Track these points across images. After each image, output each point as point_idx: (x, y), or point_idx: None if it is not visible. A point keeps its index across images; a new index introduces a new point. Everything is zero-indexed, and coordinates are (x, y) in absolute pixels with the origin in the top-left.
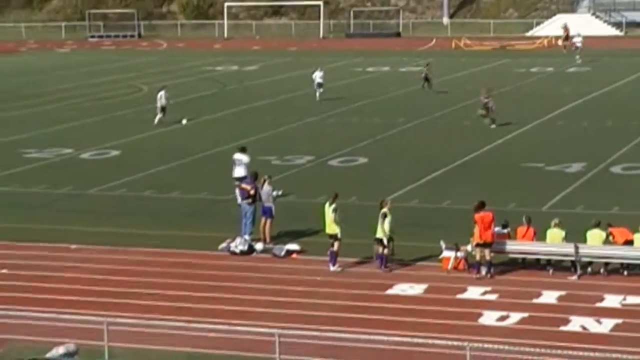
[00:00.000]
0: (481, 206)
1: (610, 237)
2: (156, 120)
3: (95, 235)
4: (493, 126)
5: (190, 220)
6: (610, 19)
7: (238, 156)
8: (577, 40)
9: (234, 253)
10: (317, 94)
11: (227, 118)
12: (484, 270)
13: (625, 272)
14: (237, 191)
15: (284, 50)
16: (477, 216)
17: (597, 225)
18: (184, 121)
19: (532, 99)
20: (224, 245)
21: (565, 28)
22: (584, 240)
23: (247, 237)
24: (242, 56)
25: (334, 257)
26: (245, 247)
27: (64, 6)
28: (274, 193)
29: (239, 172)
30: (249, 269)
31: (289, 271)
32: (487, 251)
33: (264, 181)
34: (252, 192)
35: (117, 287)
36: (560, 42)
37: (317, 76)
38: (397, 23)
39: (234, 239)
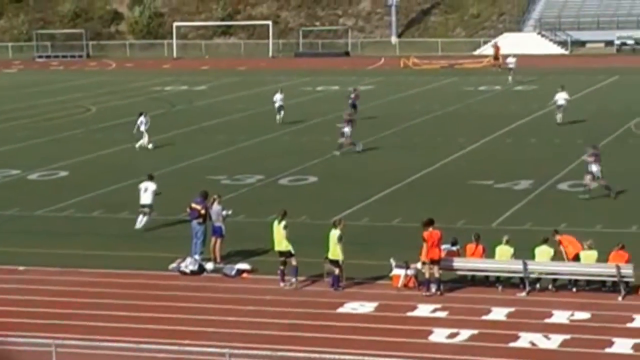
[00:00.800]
0: (429, 224)
1: (560, 247)
2: (143, 144)
3: (44, 256)
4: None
5: (140, 241)
6: (555, 38)
7: (145, 184)
8: (511, 62)
9: (184, 273)
10: (278, 117)
11: (176, 138)
12: (433, 288)
13: (574, 289)
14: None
15: (234, 69)
16: (425, 234)
17: (545, 241)
18: (150, 145)
19: (480, 117)
20: (174, 265)
21: (495, 46)
22: (533, 257)
23: (197, 256)
24: (192, 76)
25: (294, 272)
26: (196, 267)
27: (10, 27)
28: (224, 212)
29: (146, 199)
30: (199, 289)
31: (239, 290)
32: (436, 268)
33: (214, 200)
34: (202, 211)
35: (65, 309)
36: (491, 61)
37: (278, 99)
38: (346, 42)
39: (184, 259)
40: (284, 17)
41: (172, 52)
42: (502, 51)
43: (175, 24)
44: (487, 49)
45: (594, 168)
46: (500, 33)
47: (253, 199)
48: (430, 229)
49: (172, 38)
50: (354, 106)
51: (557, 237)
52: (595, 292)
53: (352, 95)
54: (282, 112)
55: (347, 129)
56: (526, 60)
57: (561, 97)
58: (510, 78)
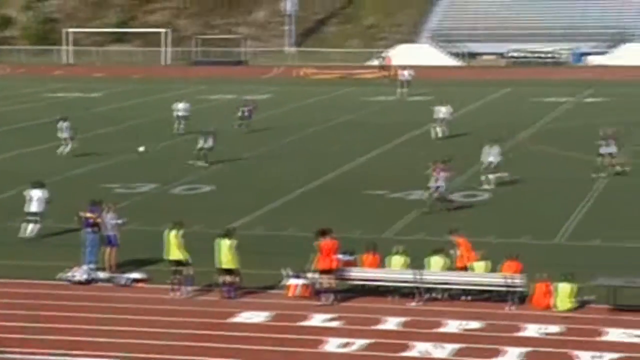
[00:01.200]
0: (323, 233)
1: (458, 250)
2: (65, 151)
3: None
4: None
5: (30, 249)
6: (450, 50)
7: (32, 192)
8: (406, 74)
9: (75, 282)
10: (176, 126)
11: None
12: (328, 298)
13: (469, 297)
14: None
15: (128, 77)
16: (319, 243)
17: (438, 251)
18: (141, 149)
19: (376, 127)
20: (64, 274)
21: (386, 58)
22: (426, 267)
23: (90, 265)
24: (85, 83)
25: (190, 282)
26: (88, 276)
27: None
28: (118, 221)
29: (34, 207)
30: (91, 298)
31: (132, 300)
32: (331, 278)
33: (107, 209)
34: (97, 220)
35: None
36: (382, 73)
37: (180, 108)
38: (242, 51)
39: (75, 268)
40: (180, 24)
41: (66, 58)
42: (400, 62)
43: (67, 30)
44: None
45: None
46: (396, 44)
47: (147, 208)
48: (327, 238)
49: (65, 44)
50: (243, 118)
51: (454, 238)
52: (487, 301)
53: (246, 109)
54: (183, 122)
55: (210, 142)
56: (421, 72)
57: (442, 112)
58: (400, 90)
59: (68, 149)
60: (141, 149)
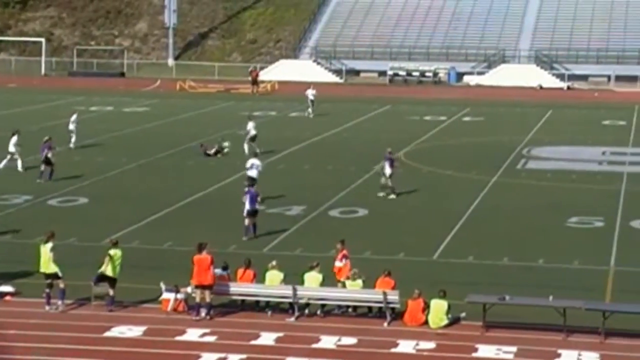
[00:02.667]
0: (200, 248)
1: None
2: (18, 167)
3: None
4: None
5: None
6: (330, 66)
7: None
8: (310, 93)
9: None
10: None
11: None
12: (203, 312)
13: (349, 310)
14: None
15: (3, 86)
16: (195, 258)
17: (314, 267)
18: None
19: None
20: None
21: (254, 72)
22: (302, 282)
23: None
24: None
25: (61, 295)
26: None
27: None
28: None
29: None
30: None
31: (2, 314)
32: (206, 293)
33: None
34: None
35: None
36: (250, 87)
37: (72, 121)
38: (122, 63)
39: None
40: (58, 34)
41: None
42: (279, 77)
43: None
44: (264, 75)
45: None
46: (277, 59)
47: (20, 220)
48: (200, 253)
49: None
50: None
51: (340, 247)
52: (362, 317)
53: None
54: (74, 137)
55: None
56: (301, 88)
57: (252, 127)
58: (310, 110)
59: (6, 162)
60: (226, 144)
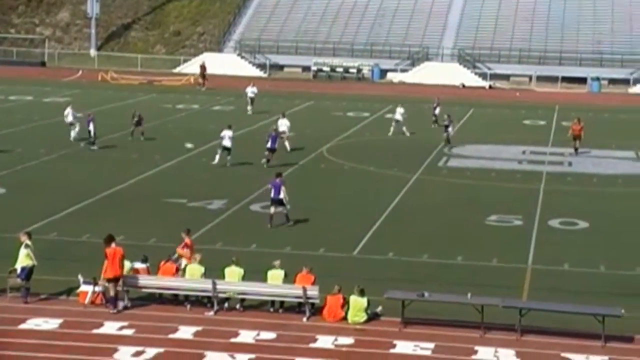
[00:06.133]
0: (110, 240)
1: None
2: None
3: None
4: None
5: None
6: (254, 60)
7: None
8: (250, 91)
9: None
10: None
11: None
12: (120, 305)
13: (271, 309)
14: None
15: None
16: (107, 250)
17: (235, 262)
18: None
19: (177, 135)
20: None
21: (203, 66)
22: (222, 277)
23: None
24: None
25: None
26: None
27: None
28: None
29: None
30: None
31: None
32: (119, 285)
33: None
34: None
35: None
36: (199, 80)
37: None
38: (43, 52)
39: None
40: None
41: None
42: (209, 71)
43: None
44: (187, 67)
45: None
46: (201, 52)
47: None
48: (113, 245)
49: None
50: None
51: (187, 239)
52: (282, 312)
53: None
54: (77, 128)
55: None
56: (225, 81)
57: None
58: (249, 107)
59: None
60: (189, 145)
